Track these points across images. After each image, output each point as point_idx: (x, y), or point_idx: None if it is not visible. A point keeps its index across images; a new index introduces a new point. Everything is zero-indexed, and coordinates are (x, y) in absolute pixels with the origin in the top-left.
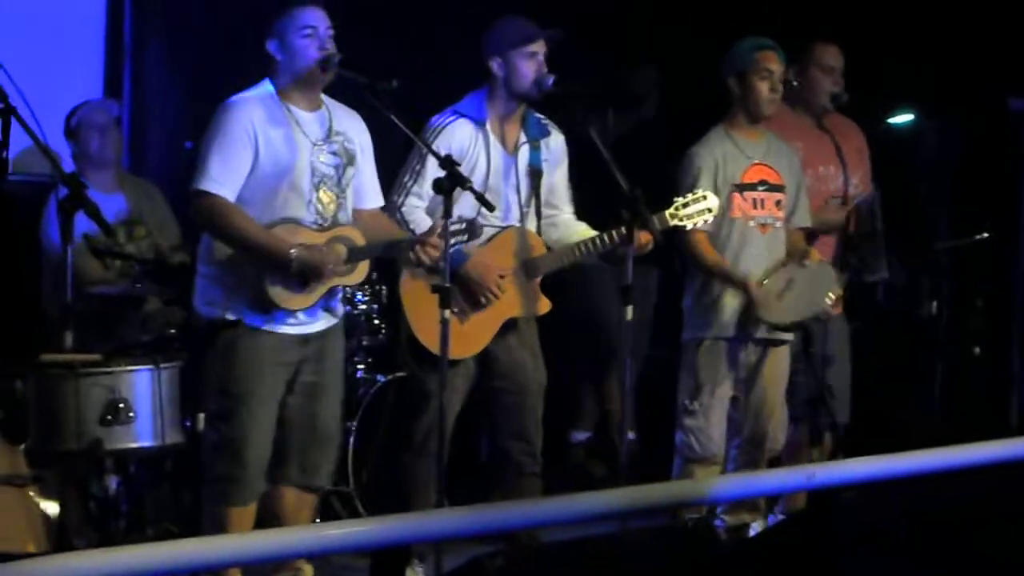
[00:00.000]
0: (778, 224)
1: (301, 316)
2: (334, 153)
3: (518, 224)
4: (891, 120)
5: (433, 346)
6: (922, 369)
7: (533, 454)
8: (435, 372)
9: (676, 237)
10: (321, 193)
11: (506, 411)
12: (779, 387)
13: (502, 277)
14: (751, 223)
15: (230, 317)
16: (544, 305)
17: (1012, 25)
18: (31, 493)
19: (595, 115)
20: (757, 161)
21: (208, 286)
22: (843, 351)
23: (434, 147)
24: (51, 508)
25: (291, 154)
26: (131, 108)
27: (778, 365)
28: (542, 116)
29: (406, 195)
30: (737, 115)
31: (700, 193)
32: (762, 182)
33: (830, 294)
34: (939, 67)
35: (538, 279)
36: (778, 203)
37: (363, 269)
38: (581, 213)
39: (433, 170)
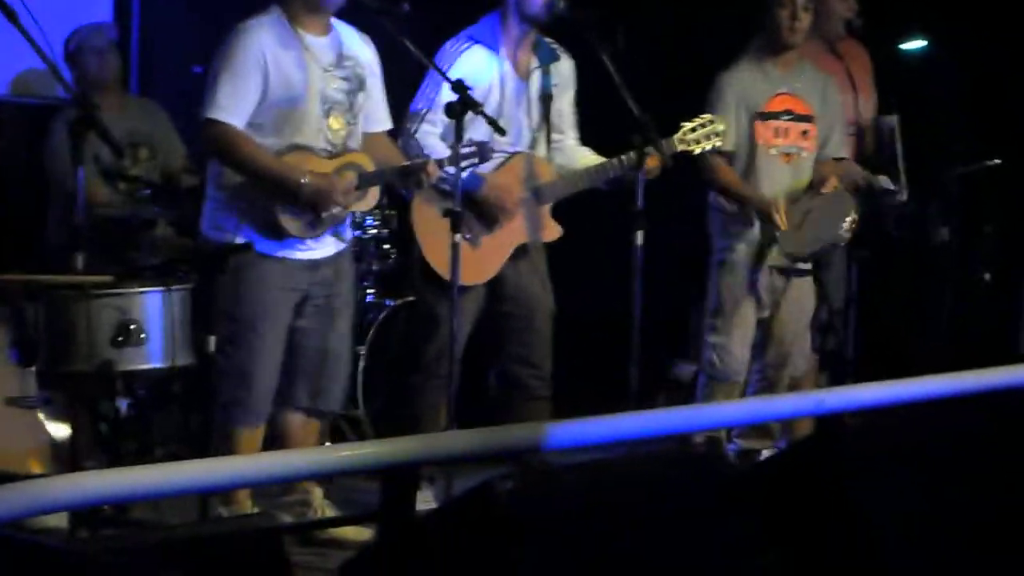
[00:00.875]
0: (804, 154)
1: (310, 242)
2: (345, 78)
3: (528, 150)
4: (903, 46)
5: (444, 270)
6: (932, 295)
7: (542, 377)
8: (445, 296)
9: (698, 163)
10: (332, 119)
11: (514, 335)
12: (802, 315)
13: (516, 200)
14: (772, 151)
15: (239, 242)
16: (554, 231)
17: None
18: (40, 415)
19: (606, 38)
20: (784, 91)
21: (217, 211)
22: (843, 278)
23: (451, 72)
24: (61, 430)
25: (302, 80)
26: (140, 32)
27: (801, 293)
28: (551, 40)
29: (420, 122)
30: (765, 43)
31: (708, 117)
32: (787, 111)
33: (846, 220)
34: None
35: (548, 205)
36: (804, 133)
37: (374, 195)
38: (590, 137)
39: (447, 96)
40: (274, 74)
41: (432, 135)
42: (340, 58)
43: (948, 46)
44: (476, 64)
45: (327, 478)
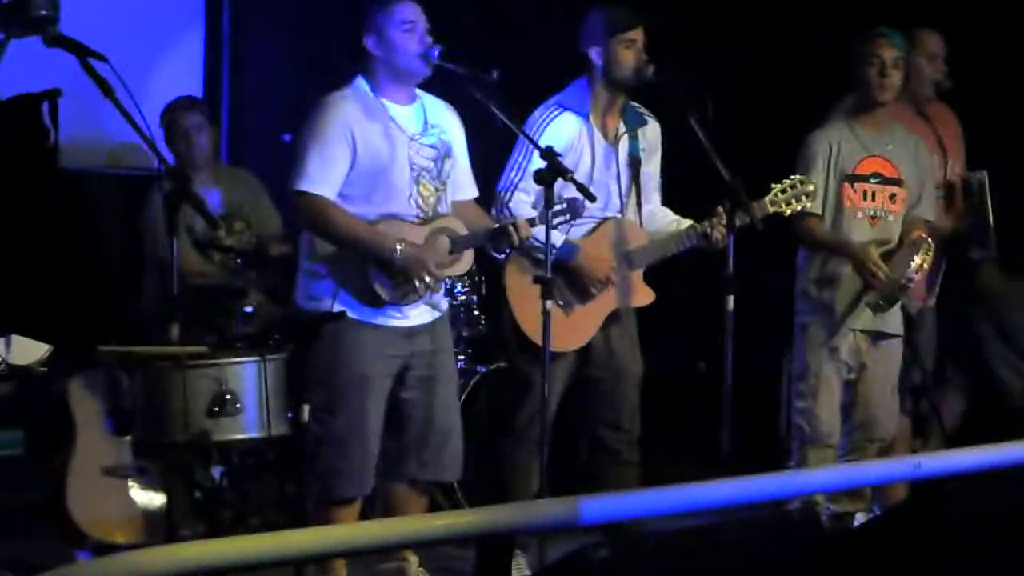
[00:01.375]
0: (890, 218)
1: (405, 309)
2: (431, 146)
3: (619, 215)
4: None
5: (536, 337)
6: None
7: (630, 441)
8: (538, 362)
9: (792, 224)
10: (421, 187)
11: (602, 398)
12: (888, 377)
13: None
14: (859, 214)
15: (335, 310)
16: (646, 296)
17: None
18: (136, 485)
19: (694, 102)
20: (875, 153)
21: (311, 281)
22: (930, 339)
23: (541, 141)
24: (157, 499)
25: (389, 149)
26: (230, 101)
27: (888, 355)
28: (638, 105)
29: (513, 191)
30: (854, 102)
31: (798, 178)
32: (875, 174)
33: (915, 259)
34: None
35: (640, 269)
36: (892, 196)
37: (467, 259)
38: (679, 200)
39: (537, 164)
40: (361, 145)
41: (525, 204)
42: (426, 126)
43: None
44: (566, 130)
45: (423, 547)
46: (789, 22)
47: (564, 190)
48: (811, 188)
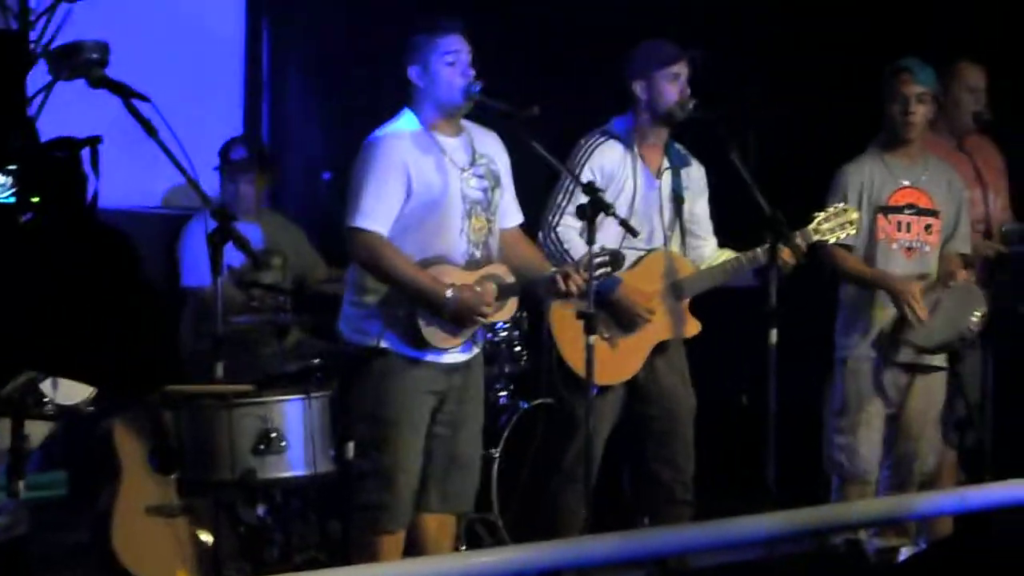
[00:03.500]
0: (927, 248)
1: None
2: (481, 176)
3: (663, 247)
4: None
5: (583, 371)
6: None
7: (684, 481)
8: (582, 396)
9: (821, 255)
10: (473, 219)
11: (656, 437)
12: (930, 410)
13: (652, 302)
14: (894, 246)
15: (383, 346)
16: (693, 327)
17: None
18: (181, 523)
19: (735, 137)
20: (908, 184)
21: (359, 316)
22: (974, 368)
23: (587, 166)
24: (205, 537)
25: (443, 184)
26: (270, 140)
27: (930, 388)
28: (681, 147)
29: (560, 215)
30: (887, 136)
31: (841, 207)
32: (910, 206)
33: (975, 313)
34: None
35: (686, 300)
36: (927, 227)
37: (512, 305)
38: (721, 236)
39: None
40: (416, 180)
41: (572, 229)
42: (474, 157)
43: None
44: (611, 158)
45: None
46: (829, 54)
47: (607, 220)
48: (854, 216)
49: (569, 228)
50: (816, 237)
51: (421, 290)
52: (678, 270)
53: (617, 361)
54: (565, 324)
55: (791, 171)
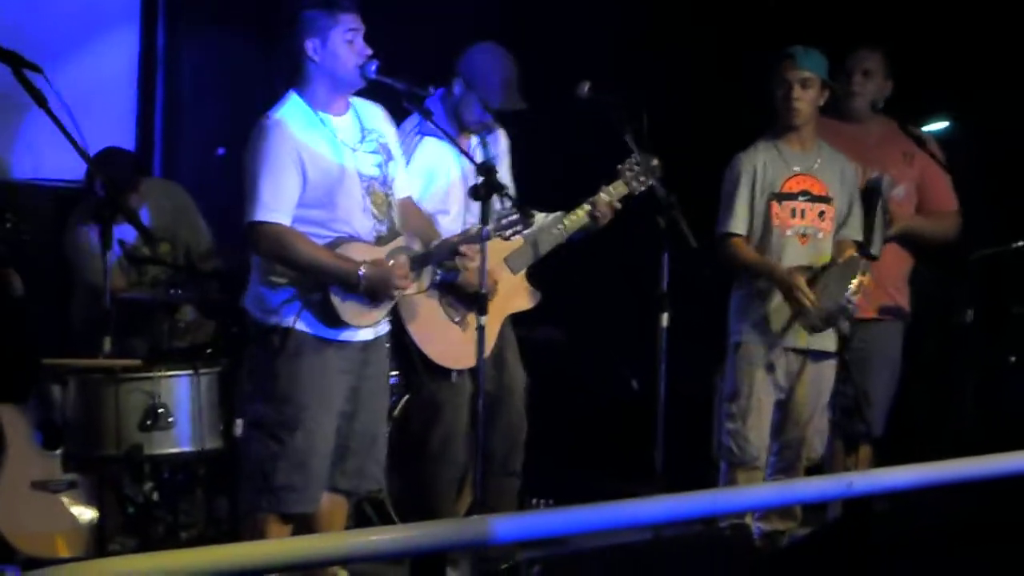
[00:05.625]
0: (820, 235)
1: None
2: (374, 152)
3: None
4: (926, 127)
5: (437, 357)
6: (957, 378)
7: (514, 454)
8: (442, 381)
9: (715, 243)
10: (373, 196)
11: (490, 410)
12: (819, 396)
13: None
14: (788, 232)
15: (296, 327)
16: (534, 296)
17: None
18: (66, 499)
19: (630, 120)
20: (802, 171)
21: (269, 294)
22: (887, 359)
23: (412, 159)
24: (88, 513)
25: (338, 165)
26: (164, 114)
27: (819, 375)
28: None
29: None
30: (779, 124)
31: (641, 155)
32: (804, 192)
33: (853, 281)
34: (975, 72)
35: (522, 273)
36: (821, 214)
37: (428, 276)
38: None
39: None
40: (311, 165)
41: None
42: (364, 133)
43: (972, 127)
44: (430, 154)
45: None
46: (729, 40)
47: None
48: (655, 162)
49: None
50: (625, 190)
51: (333, 273)
52: (505, 245)
53: (470, 343)
54: (414, 310)
55: (685, 156)
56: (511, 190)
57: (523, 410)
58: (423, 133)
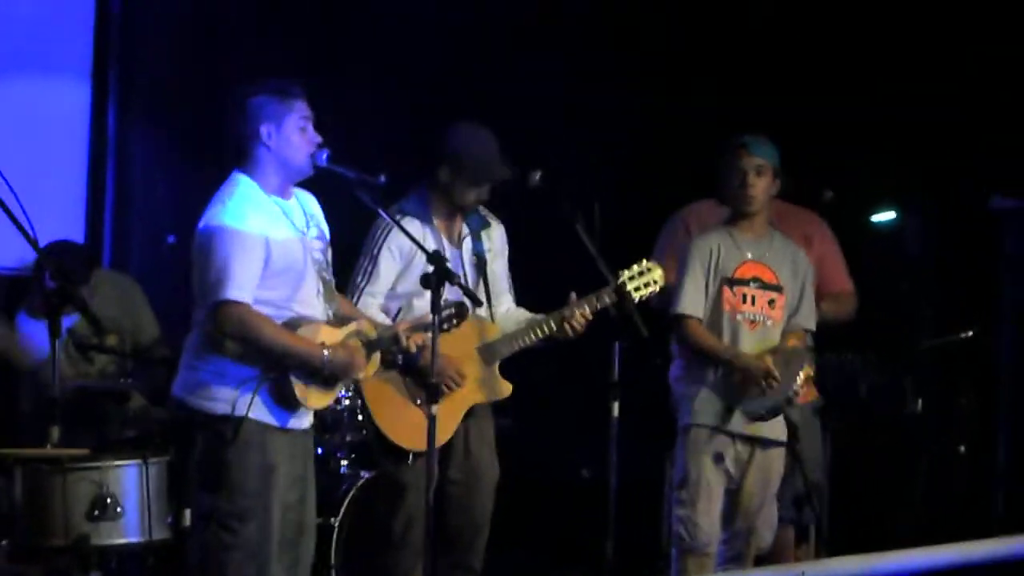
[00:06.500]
0: (769, 323)
1: (302, 411)
2: (318, 237)
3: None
4: (873, 218)
5: (401, 440)
6: (907, 468)
7: (475, 550)
8: (405, 466)
9: (671, 326)
10: (321, 280)
11: (454, 502)
12: (768, 485)
13: (462, 367)
14: (739, 317)
15: (247, 415)
16: (505, 388)
17: (993, 124)
18: None
19: (580, 209)
20: (752, 258)
21: (211, 381)
22: (814, 445)
23: (385, 244)
24: None
25: (296, 248)
26: (114, 201)
27: (768, 464)
28: (482, 208)
29: (359, 295)
30: (732, 210)
31: (646, 264)
32: (755, 279)
33: (800, 374)
34: (921, 165)
35: (496, 364)
36: (771, 302)
37: (375, 362)
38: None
39: (387, 270)
40: (274, 247)
41: (373, 307)
42: (307, 218)
43: (919, 217)
44: (412, 233)
45: None
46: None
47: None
48: (659, 273)
49: (368, 306)
50: (597, 305)
51: (298, 355)
52: (486, 334)
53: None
54: (377, 393)
55: (636, 238)
56: (470, 280)
57: (488, 507)
58: (403, 211)
